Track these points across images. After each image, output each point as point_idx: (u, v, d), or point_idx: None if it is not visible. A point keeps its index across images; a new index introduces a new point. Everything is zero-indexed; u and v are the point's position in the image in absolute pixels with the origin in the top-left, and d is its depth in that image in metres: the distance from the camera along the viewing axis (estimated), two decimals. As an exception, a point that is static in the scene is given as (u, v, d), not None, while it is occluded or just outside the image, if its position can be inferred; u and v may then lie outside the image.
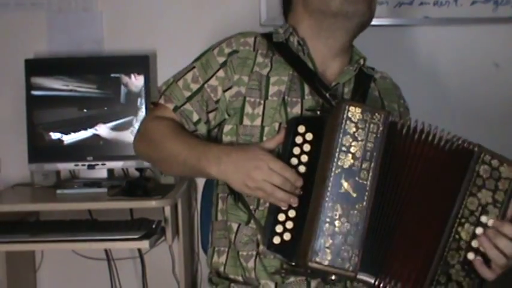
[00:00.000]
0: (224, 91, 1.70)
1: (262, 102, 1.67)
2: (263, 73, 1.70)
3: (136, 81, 2.64)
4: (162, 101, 1.75)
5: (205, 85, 1.72)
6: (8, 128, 2.80)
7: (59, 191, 2.54)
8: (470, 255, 1.48)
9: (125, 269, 2.85)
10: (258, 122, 1.66)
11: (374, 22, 2.69)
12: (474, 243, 1.48)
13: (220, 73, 1.71)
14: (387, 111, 1.51)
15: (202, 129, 1.73)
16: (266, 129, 1.65)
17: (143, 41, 2.77)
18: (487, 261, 1.48)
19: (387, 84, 1.85)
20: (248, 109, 1.67)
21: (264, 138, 1.64)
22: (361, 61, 1.78)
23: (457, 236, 1.48)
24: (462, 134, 1.55)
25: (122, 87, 2.65)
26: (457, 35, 2.76)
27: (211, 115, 1.73)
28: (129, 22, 2.79)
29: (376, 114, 1.49)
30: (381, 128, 1.48)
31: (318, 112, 1.62)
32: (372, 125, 1.48)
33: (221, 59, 1.72)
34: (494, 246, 1.46)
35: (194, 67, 1.75)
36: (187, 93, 1.73)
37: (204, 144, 1.64)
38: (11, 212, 2.49)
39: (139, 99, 2.64)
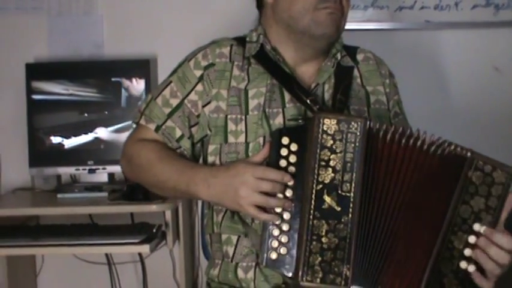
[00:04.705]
0: (203, 106, 1.68)
1: (243, 118, 1.65)
2: (241, 87, 1.68)
3: (137, 85, 2.64)
4: (143, 122, 1.73)
5: (185, 100, 1.70)
6: (9, 132, 2.80)
7: (59, 195, 2.54)
8: (463, 264, 1.45)
9: (125, 273, 2.84)
10: (242, 138, 1.64)
11: (374, 26, 2.74)
12: (467, 252, 1.45)
13: (199, 87, 1.69)
14: (364, 118, 1.48)
15: (185, 144, 1.71)
16: (251, 145, 1.63)
17: (144, 45, 2.77)
18: (481, 270, 1.45)
19: (370, 66, 1.79)
20: (231, 126, 1.65)
21: (250, 154, 1.62)
22: (338, 56, 1.74)
23: (449, 245, 1.45)
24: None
25: (123, 91, 2.65)
26: (457, 39, 2.76)
27: (193, 129, 1.71)
28: (130, 26, 2.79)
29: (353, 123, 1.46)
30: (359, 137, 1.46)
31: (300, 121, 1.60)
32: (349, 135, 1.46)
33: (198, 73, 1.70)
34: (489, 258, 1.43)
35: (171, 81, 1.73)
36: (168, 110, 1.71)
37: (191, 167, 1.62)
38: (12, 216, 2.49)
39: (140, 104, 2.63)
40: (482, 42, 2.76)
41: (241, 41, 1.75)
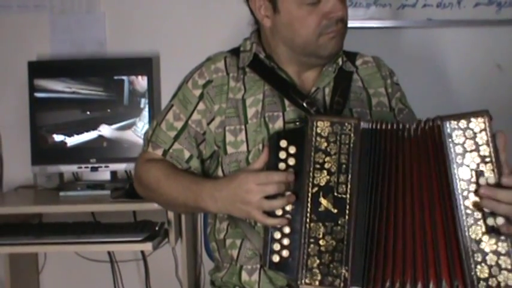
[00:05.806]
0: (208, 123, 1.69)
1: (243, 127, 1.66)
2: (238, 98, 1.68)
3: (140, 83, 2.64)
4: (150, 149, 1.74)
5: (189, 121, 1.71)
6: (11, 130, 2.81)
7: (62, 193, 2.54)
8: (490, 221, 1.42)
9: (128, 271, 2.84)
10: (243, 148, 1.65)
11: (377, 24, 2.74)
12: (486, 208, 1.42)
13: (201, 106, 1.70)
14: (357, 119, 1.48)
15: (195, 164, 1.72)
16: (251, 152, 1.64)
17: (146, 43, 2.77)
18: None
19: (370, 69, 1.79)
20: (230, 138, 1.66)
21: (250, 161, 1.63)
22: (340, 61, 1.74)
23: (468, 211, 1.42)
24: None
25: (125, 89, 2.65)
26: (460, 37, 2.76)
27: (201, 146, 1.72)
28: (132, 24, 2.79)
29: (346, 124, 1.47)
30: (353, 138, 1.47)
31: (298, 123, 1.60)
32: (343, 136, 1.47)
33: (197, 92, 1.71)
34: (499, 203, 1.40)
35: (173, 105, 1.74)
36: (173, 133, 1.72)
37: (197, 183, 1.63)
38: (14, 214, 2.49)
39: (142, 101, 2.64)
40: (484, 40, 2.76)
41: (235, 51, 1.76)
